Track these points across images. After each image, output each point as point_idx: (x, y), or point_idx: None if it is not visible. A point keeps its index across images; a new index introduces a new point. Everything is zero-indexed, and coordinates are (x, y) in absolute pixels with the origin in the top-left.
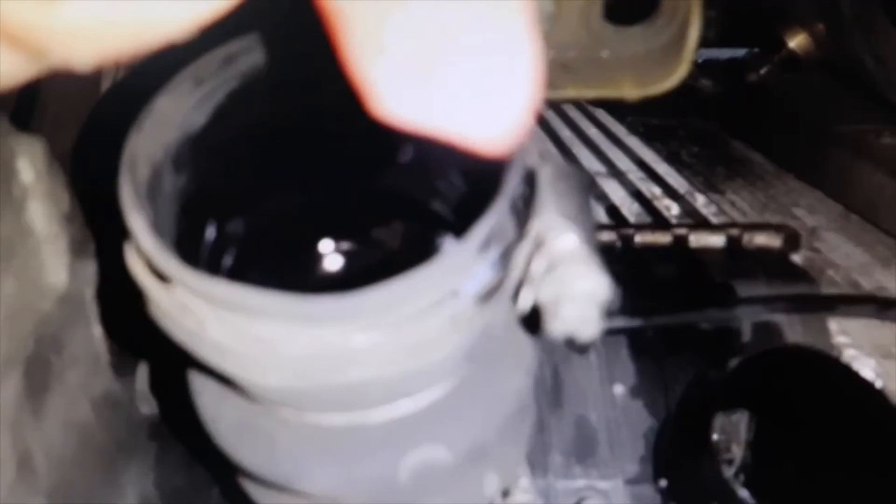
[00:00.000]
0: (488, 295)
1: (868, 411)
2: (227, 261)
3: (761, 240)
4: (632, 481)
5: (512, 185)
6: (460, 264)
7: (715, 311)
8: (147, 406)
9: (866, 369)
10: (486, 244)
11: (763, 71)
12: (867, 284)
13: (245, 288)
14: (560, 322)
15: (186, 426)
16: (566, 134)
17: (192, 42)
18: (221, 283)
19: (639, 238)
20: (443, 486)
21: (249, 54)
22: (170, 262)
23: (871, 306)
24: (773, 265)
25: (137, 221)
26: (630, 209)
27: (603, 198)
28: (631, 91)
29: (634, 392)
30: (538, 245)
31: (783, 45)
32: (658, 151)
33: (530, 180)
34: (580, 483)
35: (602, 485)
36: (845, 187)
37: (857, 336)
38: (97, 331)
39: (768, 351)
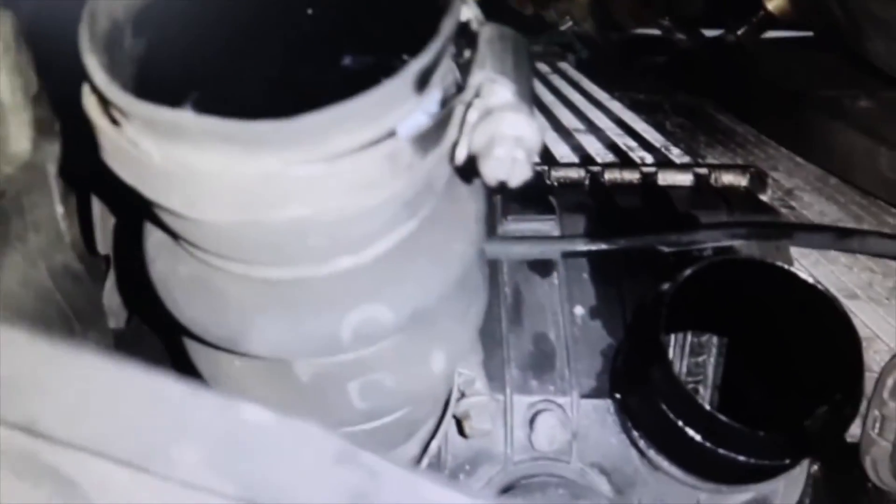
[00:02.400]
0: (426, 139)
1: (818, 315)
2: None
3: (728, 178)
4: (587, 395)
5: (448, 27)
6: (395, 96)
7: (675, 235)
8: (114, 320)
9: None
10: (421, 81)
11: (740, 32)
12: None
13: (186, 113)
14: (492, 164)
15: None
16: (549, 99)
17: None
18: (163, 109)
19: (608, 175)
20: (389, 357)
21: None
22: (117, 93)
23: (829, 234)
24: (739, 201)
25: (91, 60)
26: (604, 159)
27: (578, 148)
28: None
29: (594, 313)
30: (475, 98)
31: (761, 6)
32: (644, 121)
33: (471, 41)
34: (536, 398)
35: (559, 399)
36: (823, 150)
37: (822, 279)
38: (60, 209)
39: (716, 262)
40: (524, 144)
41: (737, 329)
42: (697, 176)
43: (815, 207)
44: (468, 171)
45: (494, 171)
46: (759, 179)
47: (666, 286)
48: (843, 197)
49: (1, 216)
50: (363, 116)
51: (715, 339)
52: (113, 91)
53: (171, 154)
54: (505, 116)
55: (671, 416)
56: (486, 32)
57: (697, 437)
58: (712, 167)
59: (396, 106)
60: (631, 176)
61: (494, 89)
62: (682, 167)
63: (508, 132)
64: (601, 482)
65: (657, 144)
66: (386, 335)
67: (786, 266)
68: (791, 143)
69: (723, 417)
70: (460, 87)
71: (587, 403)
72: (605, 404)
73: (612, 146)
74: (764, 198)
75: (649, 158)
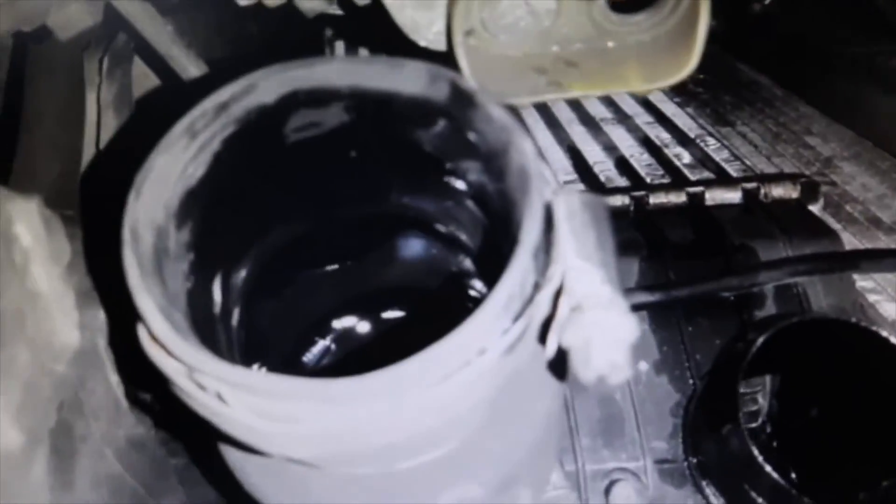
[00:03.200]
0: (513, 346)
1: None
2: (241, 294)
3: (778, 191)
4: (661, 461)
5: (533, 238)
6: (486, 327)
7: (735, 278)
8: (174, 452)
9: (889, 312)
10: (509, 301)
11: (767, 1)
12: (886, 218)
13: (265, 375)
14: (591, 370)
15: (214, 469)
16: None
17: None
18: (243, 371)
19: (653, 199)
20: None
21: (243, 99)
22: (188, 351)
23: (892, 260)
24: (792, 219)
25: (148, 304)
26: (640, 160)
27: (611, 148)
28: (639, 85)
29: (658, 367)
30: (561, 289)
31: None
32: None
33: (547, 216)
34: (610, 465)
35: (632, 465)
36: (856, 113)
37: (880, 280)
38: (114, 378)
39: (796, 323)
40: (622, 346)
41: (803, 373)
42: (746, 192)
43: (857, 181)
44: (558, 363)
45: (593, 374)
46: (810, 189)
47: (737, 347)
48: (884, 164)
49: (64, 432)
50: (452, 354)
51: None
52: (183, 348)
53: (250, 402)
54: (599, 317)
55: (745, 486)
56: (563, 205)
57: None
58: (761, 179)
59: (486, 331)
60: (677, 199)
61: (582, 279)
62: (730, 182)
63: (605, 335)
64: None
65: (692, 134)
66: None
67: (857, 321)
68: (823, 105)
69: (793, 490)
70: (541, 270)
71: (661, 468)
72: (679, 467)
73: (645, 140)
74: (816, 208)
75: (686, 155)
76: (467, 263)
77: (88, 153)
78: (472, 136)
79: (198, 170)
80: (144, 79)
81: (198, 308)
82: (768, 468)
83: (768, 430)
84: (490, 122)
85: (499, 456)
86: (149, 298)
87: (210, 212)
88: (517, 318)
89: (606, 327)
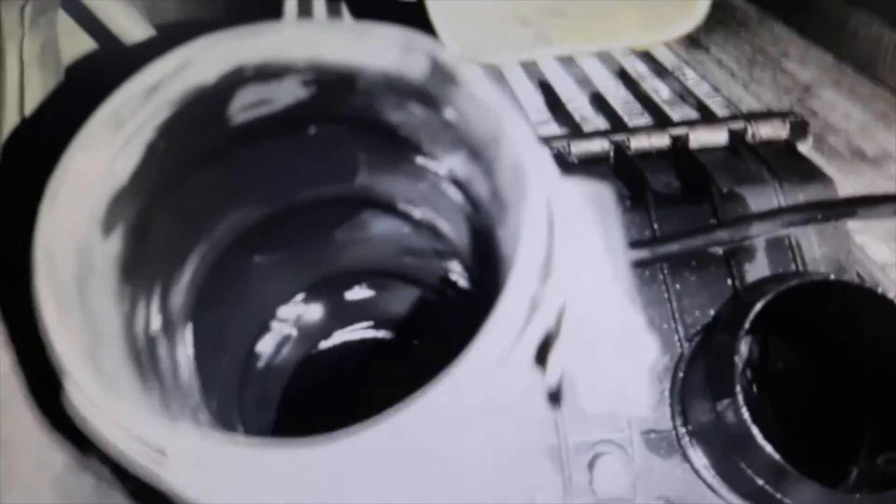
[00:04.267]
0: (509, 375)
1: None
2: (187, 293)
3: (766, 131)
4: (648, 430)
5: (533, 258)
6: (480, 363)
7: (725, 231)
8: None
9: (878, 254)
10: (506, 329)
11: None
12: (870, 150)
13: (218, 440)
14: (600, 401)
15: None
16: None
17: None
18: (191, 434)
19: (634, 143)
20: None
21: (177, 78)
22: (126, 412)
23: (889, 206)
24: (782, 162)
25: (70, 353)
26: (616, 97)
27: (585, 82)
28: (636, 37)
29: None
30: (564, 305)
31: None
32: None
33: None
34: (594, 437)
35: (617, 437)
36: (836, 36)
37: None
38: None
39: (794, 287)
40: (638, 372)
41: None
42: (732, 132)
43: (839, 109)
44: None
45: (600, 407)
46: (800, 128)
47: (729, 313)
48: (866, 90)
49: None
50: (442, 401)
51: None
52: (120, 413)
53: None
54: (609, 338)
55: (741, 464)
56: (565, 201)
57: (766, 486)
58: (748, 118)
59: (479, 365)
60: (660, 142)
61: (587, 291)
62: (715, 122)
63: (616, 360)
64: None
65: (669, 66)
66: None
67: (861, 283)
68: (798, 25)
69: (792, 469)
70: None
71: (647, 438)
72: (667, 437)
73: (621, 73)
74: (805, 147)
75: (664, 89)
76: (441, 244)
77: (11, 120)
78: (454, 120)
79: (128, 164)
80: (73, 31)
81: (134, 324)
82: (769, 448)
83: (749, 375)
84: (476, 106)
85: (481, 488)
86: (70, 345)
87: (145, 211)
88: (513, 343)
89: (618, 350)
